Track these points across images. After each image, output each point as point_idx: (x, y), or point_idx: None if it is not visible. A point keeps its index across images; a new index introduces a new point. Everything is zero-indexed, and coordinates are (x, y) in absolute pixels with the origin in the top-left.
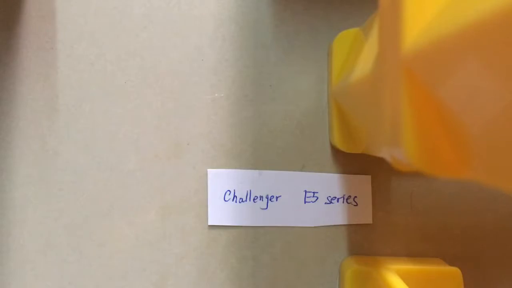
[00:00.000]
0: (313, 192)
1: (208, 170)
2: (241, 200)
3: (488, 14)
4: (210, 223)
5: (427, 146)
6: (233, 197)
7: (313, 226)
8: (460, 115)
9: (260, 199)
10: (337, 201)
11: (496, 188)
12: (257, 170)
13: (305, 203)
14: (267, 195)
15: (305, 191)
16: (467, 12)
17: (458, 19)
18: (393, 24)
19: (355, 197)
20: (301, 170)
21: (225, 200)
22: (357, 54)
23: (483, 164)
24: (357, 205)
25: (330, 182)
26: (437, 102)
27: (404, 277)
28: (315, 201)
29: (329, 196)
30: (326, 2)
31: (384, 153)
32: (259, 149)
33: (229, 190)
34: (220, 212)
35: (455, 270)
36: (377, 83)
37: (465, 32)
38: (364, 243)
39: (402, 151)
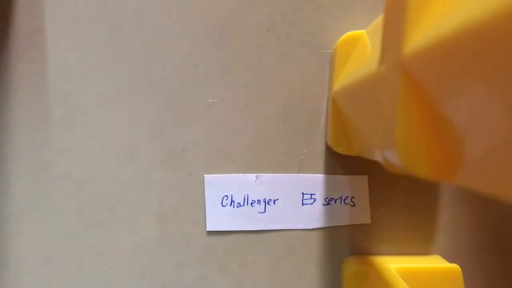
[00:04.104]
0: (311, 194)
1: (204, 175)
2: (239, 205)
3: (488, 15)
4: (208, 228)
5: (420, 150)
6: (231, 202)
7: (311, 228)
8: (456, 119)
9: (257, 203)
10: (335, 202)
11: (489, 195)
12: (253, 174)
13: (302, 205)
14: (265, 199)
15: (303, 193)
16: (466, 13)
17: (457, 20)
18: (396, 25)
19: (353, 197)
20: (297, 173)
21: (223, 205)
22: (360, 55)
23: (476, 171)
24: (354, 205)
25: (327, 184)
26: (433, 106)
27: (404, 276)
28: (312, 203)
29: (327, 198)
30: (319, 5)
31: (378, 155)
32: (255, 153)
33: (226, 195)
34: (218, 218)
35: (454, 267)
36: (376, 84)
37: (464, 33)
38: (363, 243)
39: (395, 153)
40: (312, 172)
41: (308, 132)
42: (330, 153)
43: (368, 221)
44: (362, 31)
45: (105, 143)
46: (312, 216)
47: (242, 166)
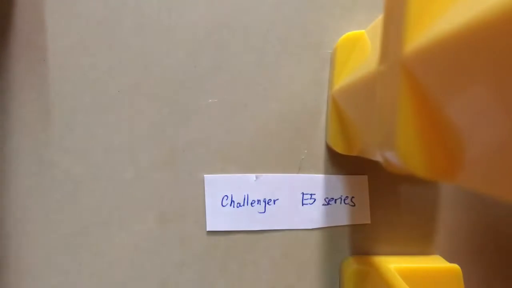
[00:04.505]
0: (311, 194)
1: (204, 175)
2: (239, 205)
3: (488, 15)
4: (208, 228)
5: (420, 150)
6: (231, 202)
7: (311, 228)
8: (456, 119)
9: (257, 203)
10: (335, 202)
11: (489, 195)
12: (253, 174)
13: (302, 205)
14: (265, 199)
15: (303, 193)
16: (466, 13)
17: (458, 19)
18: (396, 25)
19: (353, 197)
20: (297, 173)
21: (223, 205)
22: (360, 55)
23: (477, 171)
24: (354, 205)
25: (327, 184)
26: (433, 106)
27: (404, 276)
28: (312, 203)
29: (327, 198)
30: (319, 6)
31: (378, 155)
32: (255, 153)
33: (226, 195)
34: (218, 218)
35: (454, 267)
36: (376, 84)
37: (464, 33)
38: (363, 243)
39: (395, 153)
40: (312, 172)
41: (308, 132)
42: (330, 153)
43: (368, 221)
44: (362, 31)
45: (105, 143)
46: (312, 216)
47: (242, 166)
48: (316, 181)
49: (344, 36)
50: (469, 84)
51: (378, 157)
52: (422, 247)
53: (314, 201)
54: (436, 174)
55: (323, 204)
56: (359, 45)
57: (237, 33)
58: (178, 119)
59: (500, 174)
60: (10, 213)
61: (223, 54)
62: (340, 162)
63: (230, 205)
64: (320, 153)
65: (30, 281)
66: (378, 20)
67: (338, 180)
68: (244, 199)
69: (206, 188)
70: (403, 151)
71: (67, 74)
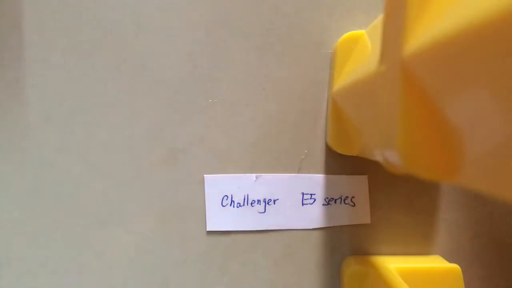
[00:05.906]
0: (311, 194)
1: (204, 175)
2: (239, 205)
3: (488, 15)
4: (208, 228)
5: (420, 149)
6: (231, 202)
7: (311, 228)
8: (456, 119)
9: (257, 203)
10: (335, 202)
11: (489, 195)
12: (253, 174)
13: (303, 205)
14: (265, 199)
15: (303, 193)
16: (466, 13)
17: (457, 20)
18: (396, 25)
19: (353, 197)
20: (297, 173)
21: (223, 205)
22: (360, 55)
23: (477, 171)
24: (354, 205)
25: (327, 184)
26: (433, 106)
27: (404, 276)
28: (312, 203)
29: (327, 198)
30: (319, 5)
31: (378, 155)
32: (255, 153)
33: (226, 195)
34: (218, 218)
35: (455, 267)
36: (376, 84)
37: (464, 33)
38: (363, 243)
39: (395, 153)
40: (312, 172)
41: (308, 132)
42: (330, 153)
43: (368, 221)
44: (362, 31)
45: (105, 143)
46: (312, 216)
47: (242, 166)
48: (316, 181)
49: (344, 36)
50: (469, 84)
51: (378, 157)
52: (422, 247)
53: (314, 201)
54: (436, 174)
55: (323, 204)
56: (359, 45)
57: (237, 33)
58: (178, 119)
59: (500, 173)
60: (10, 213)
61: (223, 54)
62: (340, 162)
63: (230, 205)
64: (320, 153)
65: (30, 281)
66: (378, 20)
67: (338, 180)
68: (244, 199)
69: (206, 188)
70: (403, 151)
71: (67, 74)
